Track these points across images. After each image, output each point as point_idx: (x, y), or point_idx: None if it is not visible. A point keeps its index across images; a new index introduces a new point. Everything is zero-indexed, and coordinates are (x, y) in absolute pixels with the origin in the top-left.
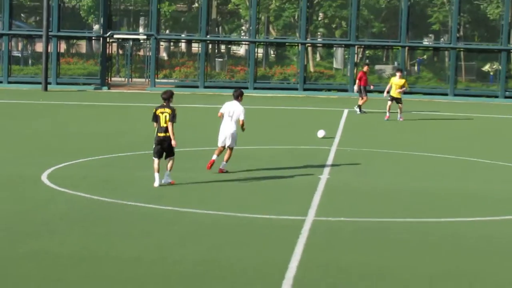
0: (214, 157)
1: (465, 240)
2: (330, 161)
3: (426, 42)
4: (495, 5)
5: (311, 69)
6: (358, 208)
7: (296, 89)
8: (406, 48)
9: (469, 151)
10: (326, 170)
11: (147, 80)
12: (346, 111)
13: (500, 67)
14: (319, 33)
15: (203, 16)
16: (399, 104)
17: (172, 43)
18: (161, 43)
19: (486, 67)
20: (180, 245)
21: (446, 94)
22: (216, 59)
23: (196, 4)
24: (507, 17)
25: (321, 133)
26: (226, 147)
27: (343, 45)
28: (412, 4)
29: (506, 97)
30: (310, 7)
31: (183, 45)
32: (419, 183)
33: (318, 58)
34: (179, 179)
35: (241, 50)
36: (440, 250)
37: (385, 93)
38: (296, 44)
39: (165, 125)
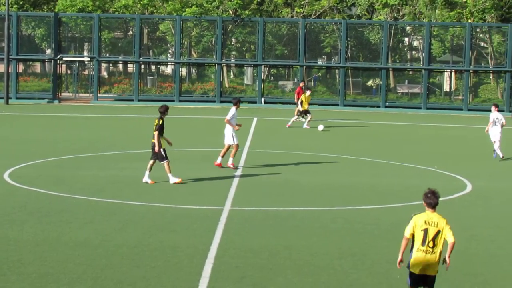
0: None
1: (355, 224)
2: (243, 160)
3: (320, 62)
4: (376, 32)
5: (226, 85)
6: (267, 199)
7: (214, 101)
8: (304, 67)
9: (358, 151)
10: (240, 168)
11: (91, 94)
12: (255, 120)
13: (380, 82)
14: (232, 55)
15: (136, 41)
16: (309, 115)
17: (111, 64)
18: (102, 64)
19: (370, 82)
20: (120, 231)
21: (337, 105)
22: (148, 77)
23: (131, 32)
24: (385, 41)
25: (320, 127)
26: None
27: (252, 65)
28: (308, 31)
29: (386, 107)
30: (224, 34)
31: (120, 66)
32: (317, 177)
33: (231, 75)
34: (118, 177)
35: (168, 69)
36: (335, 233)
37: (297, 110)
38: (213, 64)
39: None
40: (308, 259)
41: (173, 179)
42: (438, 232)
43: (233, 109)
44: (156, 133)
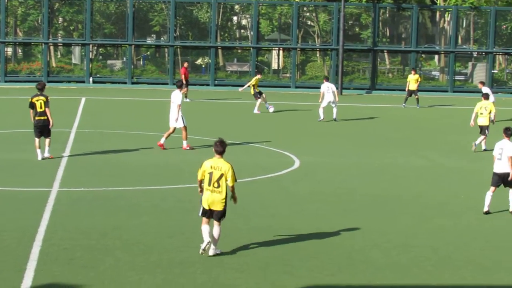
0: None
1: (186, 203)
2: (71, 141)
3: (149, 41)
4: (205, 11)
5: (54, 64)
6: (96, 180)
7: (41, 81)
8: (133, 46)
9: (207, 131)
10: (68, 148)
11: None
12: (83, 99)
13: (210, 60)
14: (59, 34)
15: None
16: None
17: None
18: None
19: (199, 61)
20: None
21: (167, 84)
22: None
23: None
24: (214, 20)
25: (271, 109)
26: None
27: (80, 44)
28: (136, 10)
29: (215, 85)
30: (51, 13)
31: None
32: (146, 157)
33: (59, 55)
34: None
35: None
36: (166, 212)
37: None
38: (40, 43)
39: (41, 110)
40: (138, 239)
41: (40, 156)
42: (222, 175)
43: (179, 92)
44: (48, 109)
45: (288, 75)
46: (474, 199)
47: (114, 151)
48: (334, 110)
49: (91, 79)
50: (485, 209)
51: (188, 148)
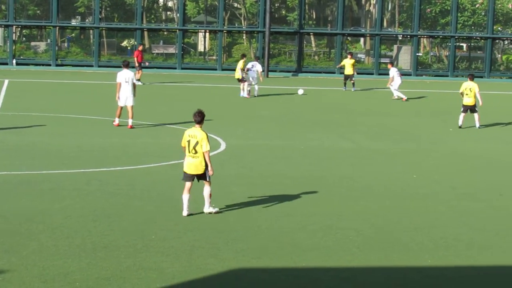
0: (117, 120)
1: (110, 186)
2: None
3: (74, 22)
4: None
5: None
6: (20, 163)
7: None
8: (57, 27)
9: (111, 112)
10: None
11: None
12: (6, 81)
13: (136, 42)
14: None
15: None
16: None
17: None
18: None
19: (125, 43)
20: None
21: (92, 66)
22: None
23: None
24: (139, 1)
25: (300, 91)
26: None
27: (2, 26)
28: None
29: (142, 67)
30: None
31: None
32: (70, 140)
33: None
34: None
35: None
36: (90, 195)
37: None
38: None
39: None
40: (62, 222)
41: None
42: (197, 142)
43: (129, 71)
44: None
45: (214, 57)
46: (401, 181)
47: (38, 134)
48: (256, 88)
49: (14, 61)
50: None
51: (131, 128)
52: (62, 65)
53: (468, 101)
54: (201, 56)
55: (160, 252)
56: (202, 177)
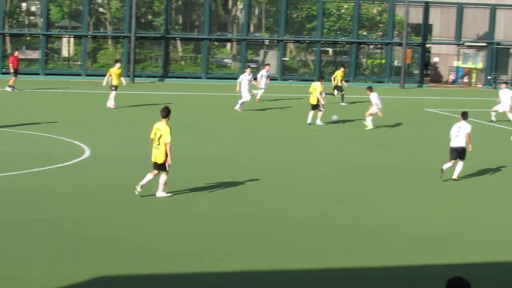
0: None
1: None
2: None
3: None
4: None
5: None
6: None
7: None
8: None
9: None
10: None
11: None
12: None
13: None
14: None
15: None
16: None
17: None
18: None
19: None
20: None
21: None
22: None
23: None
24: (1, 6)
25: (334, 117)
26: None
27: None
28: None
29: (3, 73)
30: None
31: None
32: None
33: None
34: None
35: None
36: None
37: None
38: None
39: None
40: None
41: None
42: (161, 135)
43: None
44: None
45: (79, 62)
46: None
47: None
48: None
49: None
50: (445, 166)
51: None
52: None
53: (311, 99)
54: (65, 62)
55: (21, 261)
56: (160, 167)
